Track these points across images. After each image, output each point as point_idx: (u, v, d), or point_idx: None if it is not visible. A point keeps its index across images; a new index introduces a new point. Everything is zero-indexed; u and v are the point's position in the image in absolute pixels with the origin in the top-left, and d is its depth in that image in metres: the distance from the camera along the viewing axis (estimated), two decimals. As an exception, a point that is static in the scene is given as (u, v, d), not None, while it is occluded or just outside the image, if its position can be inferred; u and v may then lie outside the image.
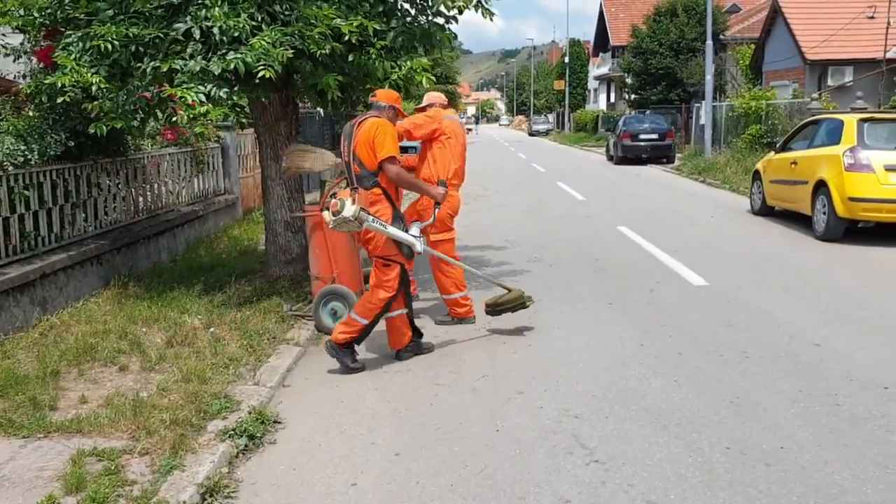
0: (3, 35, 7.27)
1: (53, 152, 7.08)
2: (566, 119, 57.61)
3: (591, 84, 59.57)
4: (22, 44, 7.70)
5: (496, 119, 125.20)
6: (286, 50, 6.30)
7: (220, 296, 7.31)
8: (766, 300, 7.25)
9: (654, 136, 25.70)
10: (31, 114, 7.32)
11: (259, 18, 6.61)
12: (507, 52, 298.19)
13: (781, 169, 11.98)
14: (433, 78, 7.22)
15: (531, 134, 65.25)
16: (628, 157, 25.82)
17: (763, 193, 12.80)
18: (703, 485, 3.76)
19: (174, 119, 6.92)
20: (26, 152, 6.62)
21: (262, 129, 7.80)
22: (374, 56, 6.85)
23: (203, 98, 6.28)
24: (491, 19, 7.35)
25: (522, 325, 6.54)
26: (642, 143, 25.59)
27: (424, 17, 7.47)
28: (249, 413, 4.56)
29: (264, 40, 6.27)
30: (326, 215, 5.42)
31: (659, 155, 25.61)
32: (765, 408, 4.70)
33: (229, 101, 6.49)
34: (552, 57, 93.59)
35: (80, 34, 6.62)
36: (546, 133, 62.18)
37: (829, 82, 22.36)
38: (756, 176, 13.25)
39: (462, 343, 6.15)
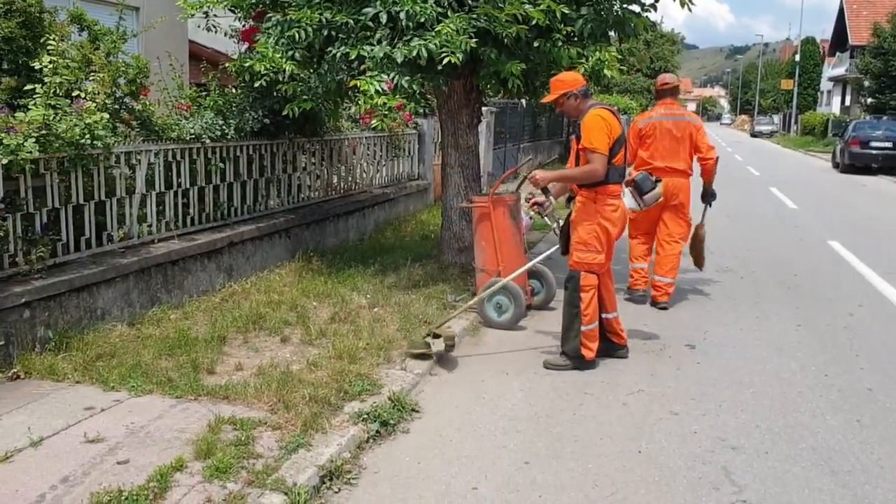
0: (216, 15, 7.76)
1: (251, 128, 7.48)
2: (793, 121, 53.73)
3: (824, 85, 55.07)
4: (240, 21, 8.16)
5: (717, 117, 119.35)
6: (469, 38, 6.23)
7: (392, 277, 7.42)
8: None
9: (888, 144, 23.25)
10: (234, 90, 7.78)
11: (446, 3, 6.58)
12: (735, 49, 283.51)
13: None
14: (623, 69, 6.87)
15: (753, 135, 61.51)
16: (856, 165, 23.56)
17: None
18: (868, 548, 3.26)
19: (353, 108, 7.08)
20: (224, 127, 7.04)
21: (444, 116, 7.80)
22: (559, 42, 6.61)
23: (384, 87, 6.34)
24: (689, 9, 6.87)
25: (694, 341, 6.07)
26: (873, 152, 23.23)
27: (618, 4, 7.11)
28: (389, 398, 4.54)
29: (449, 27, 6.23)
30: None
31: (891, 165, 23.14)
32: (965, 467, 4.01)
33: (411, 90, 6.53)
34: (784, 55, 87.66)
35: (279, 17, 6.91)
36: (769, 135, 58.36)
37: None
38: None
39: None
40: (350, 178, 10.11)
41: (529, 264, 6.26)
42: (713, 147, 7.32)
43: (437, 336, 5.43)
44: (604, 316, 5.54)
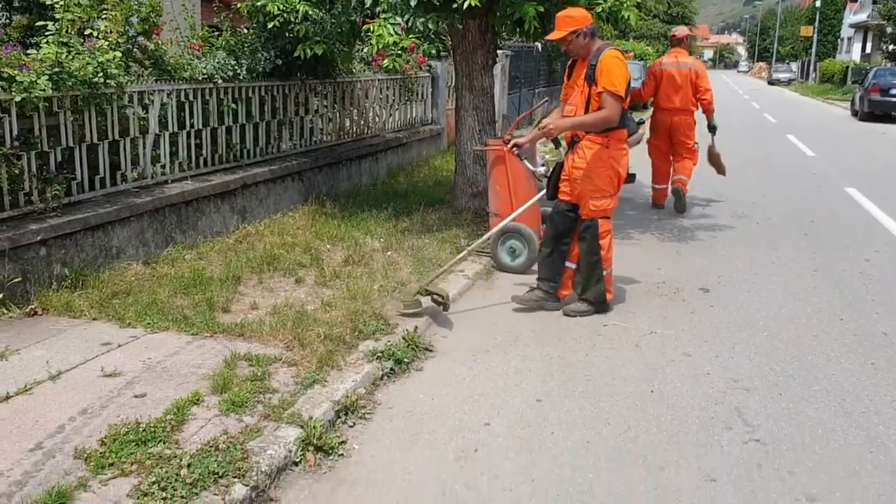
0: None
1: (262, 69, 7.40)
2: (811, 69, 52.81)
3: (845, 32, 53.98)
4: None
5: (734, 65, 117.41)
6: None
7: (405, 222, 7.41)
8: None
9: (910, 91, 22.81)
10: (246, 31, 7.68)
11: (463, -60, 6.43)
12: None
13: None
14: (642, 14, 6.73)
15: (770, 83, 60.56)
16: (875, 113, 23.15)
17: None
18: (880, 487, 3.27)
19: (365, 50, 6.98)
20: (236, 67, 6.96)
21: (458, 57, 7.69)
22: (577, -19, 6.49)
23: (397, 30, 6.23)
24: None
25: (708, 285, 6.06)
26: (893, 99, 22.76)
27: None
28: (402, 338, 4.57)
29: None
30: None
31: (912, 113, 22.75)
32: (978, 410, 4.01)
33: (426, 30, 6.42)
34: (804, 1, 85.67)
35: (292, -47, 6.78)
36: (787, 83, 57.45)
37: None
38: None
39: (636, 296, 5.78)
40: (362, 122, 10.03)
41: (521, 209, 5.97)
42: (709, 90, 8.75)
43: (429, 293, 5.16)
44: (567, 265, 5.47)
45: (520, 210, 5.92)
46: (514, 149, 5.63)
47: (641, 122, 5.78)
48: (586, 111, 5.10)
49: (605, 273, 5.32)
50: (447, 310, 5.17)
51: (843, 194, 10.37)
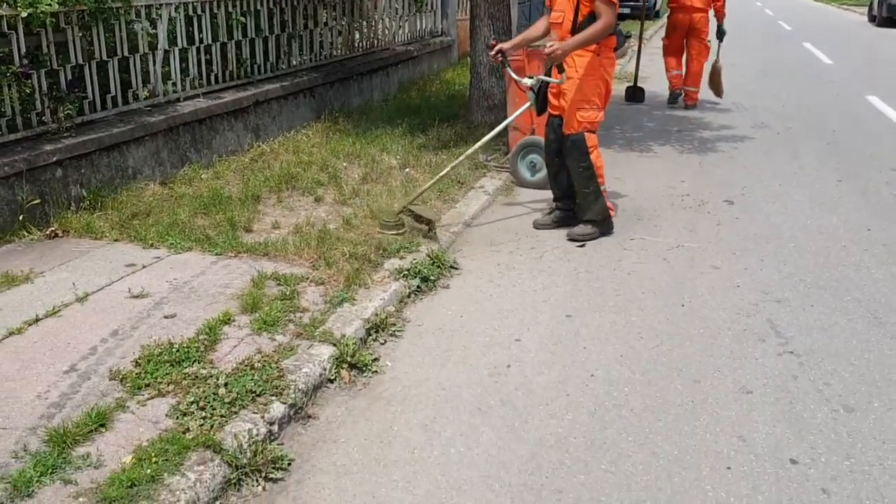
0: None
1: (271, -20, 7.16)
2: (827, -27, 51.08)
3: (864, -68, 52.00)
4: None
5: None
6: None
7: (420, 138, 7.27)
8: None
9: (932, -6, 22.06)
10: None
11: None
12: None
13: None
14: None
15: (783, -12, 58.80)
16: (894, 18, 22.50)
17: None
18: (916, 396, 3.26)
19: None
20: (243, -21, 6.73)
21: (473, -37, 7.40)
22: None
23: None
24: None
25: (732, 197, 5.97)
26: (915, 3, 22.10)
27: None
28: (427, 256, 4.51)
29: None
30: None
31: (934, 17, 22.06)
32: None
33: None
34: None
35: None
36: (801, -12, 55.77)
37: None
38: None
39: (661, 210, 5.71)
40: (372, 35, 9.76)
41: (514, 115, 5.70)
42: None
43: (412, 214, 4.88)
44: None
45: (513, 116, 5.69)
46: (499, 56, 5.31)
47: (629, 36, 5.55)
48: (575, 17, 4.84)
49: (601, 188, 5.13)
50: (433, 235, 4.88)
51: (864, 102, 10.14)
